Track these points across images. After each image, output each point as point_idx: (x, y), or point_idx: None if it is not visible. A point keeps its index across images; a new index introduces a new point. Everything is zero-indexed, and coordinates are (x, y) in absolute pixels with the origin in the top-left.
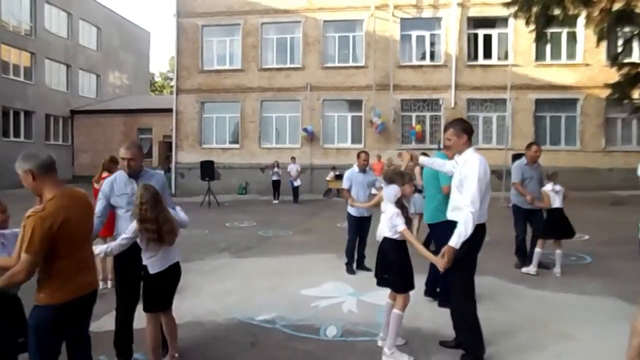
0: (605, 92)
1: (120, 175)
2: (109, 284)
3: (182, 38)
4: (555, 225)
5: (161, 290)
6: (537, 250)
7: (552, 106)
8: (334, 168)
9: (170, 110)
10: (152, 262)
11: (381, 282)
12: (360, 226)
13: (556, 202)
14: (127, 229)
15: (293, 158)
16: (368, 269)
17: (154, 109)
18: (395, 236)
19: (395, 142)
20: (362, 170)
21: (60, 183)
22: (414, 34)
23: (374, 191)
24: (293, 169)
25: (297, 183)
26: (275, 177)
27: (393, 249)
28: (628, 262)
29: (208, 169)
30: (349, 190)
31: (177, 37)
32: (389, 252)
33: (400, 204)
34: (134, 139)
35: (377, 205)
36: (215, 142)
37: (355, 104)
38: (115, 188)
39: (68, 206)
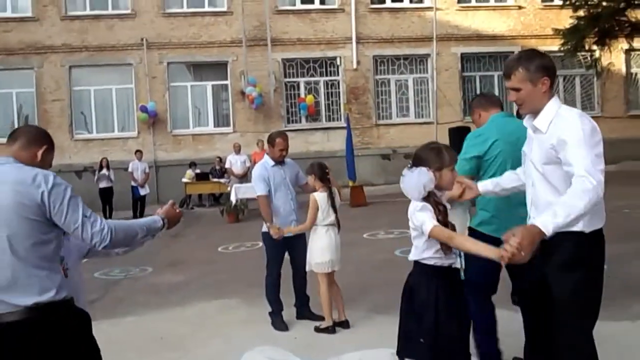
0: (543, 43)
1: None
2: None
3: None
4: None
5: None
6: None
7: (482, 63)
8: (192, 164)
9: None
10: None
11: (406, 352)
12: (290, 248)
13: None
14: None
15: (138, 152)
16: (317, 317)
17: None
18: (426, 258)
19: (279, 120)
20: (280, 161)
21: None
22: None
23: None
24: (139, 169)
25: (144, 191)
26: (104, 184)
27: (424, 281)
28: None
29: None
30: (267, 197)
31: None
32: (418, 288)
33: (432, 198)
34: None
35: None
36: None
37: (217, 69)
38: None
39: None
